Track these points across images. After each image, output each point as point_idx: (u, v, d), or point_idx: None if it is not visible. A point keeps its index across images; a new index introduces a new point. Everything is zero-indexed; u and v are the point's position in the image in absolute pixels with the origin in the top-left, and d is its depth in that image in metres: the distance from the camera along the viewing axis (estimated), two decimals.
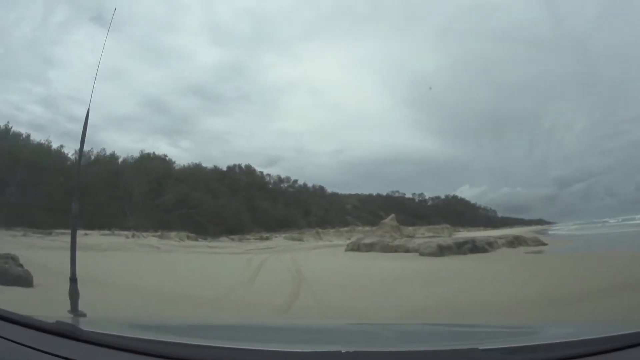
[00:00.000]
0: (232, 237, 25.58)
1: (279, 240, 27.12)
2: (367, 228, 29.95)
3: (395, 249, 20.74)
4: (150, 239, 19.98)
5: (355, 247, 22.27)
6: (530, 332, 2.64)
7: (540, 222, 40.89)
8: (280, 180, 37.22)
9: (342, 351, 1.55)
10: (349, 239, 26.24)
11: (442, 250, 18.79)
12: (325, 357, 1.59)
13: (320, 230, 31.54)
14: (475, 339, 2.39)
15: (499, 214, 42.66)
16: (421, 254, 18.92)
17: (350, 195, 41.13)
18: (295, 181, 37.73)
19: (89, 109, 4.83)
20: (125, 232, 20.14)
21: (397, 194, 44.44)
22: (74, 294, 4.00)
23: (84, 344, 1.67)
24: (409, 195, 44.46)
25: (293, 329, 2.96)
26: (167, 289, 8.68)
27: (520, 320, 5.26)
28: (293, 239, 28.40)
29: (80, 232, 19.49)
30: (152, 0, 45.08)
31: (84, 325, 1.80)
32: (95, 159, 25.07)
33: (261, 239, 26.93)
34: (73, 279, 4.10)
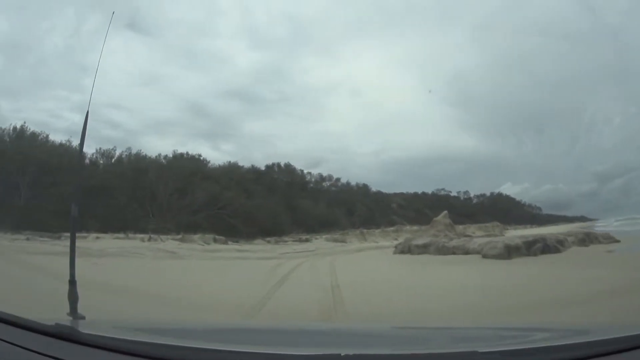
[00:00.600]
0: (269, 239, 23.44)
1: (319, 242, 25.00)
2: (415, 227, 27.93)
3: (453, 251, 17.94)
4: (169, 243, 18.05)
5: (406, 249, 19.64)
6: (530, 334, 2.46)
7: (582, 218, 39.21)
8: (321, 178, 35.43)
9: (342, 354, 1.54)
10: (397, 239, 24.04)
11: (509, 252, 16.00)
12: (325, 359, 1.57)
13: (364, 230, 29.30)
14: (475, 341, 2.36)
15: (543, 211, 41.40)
16: (484, 256, 16.23)
17: (395, 194, 39.55)
18: (338, 179, 35.90)
19: (88, 111, 4.69)
20: (142, 236, 18.46)
21: (442, 192, 43.41)
22: (72, 297, 3.86)
23: (83, 347, 1.67)
24: (453, 193, 43.14)
25: (293, 332, 2.94)
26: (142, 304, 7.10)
27: (519, 322, 5.01)
28: (335, 241, 26.29)
29: (92, 236, 18.97)
30: (188, 5, 46.35)
31: (83, 328, 1.82)
32: (118, 159, 23.76)
33: (300, 240, 24.70)
34: (72, 282, 3.96)
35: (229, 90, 43.37)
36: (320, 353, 1.60)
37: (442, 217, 23.13)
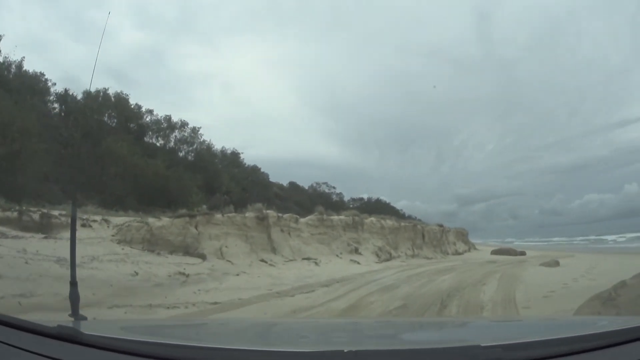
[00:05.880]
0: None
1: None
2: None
3: None
4: None
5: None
6: (532, 327, 2.60)
7: None
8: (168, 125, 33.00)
9: (345, 350, 1.49)
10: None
11: None
12: (328, 356, 1.51)
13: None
14: (477, 335, 2.40)
15: None
16: None
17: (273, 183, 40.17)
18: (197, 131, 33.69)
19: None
20: None
21: (321, 188, 46.37)
22: (74, 298, 3.80)
23: (86, 348, 1.64)
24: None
25: (294, 329, 2.91)
26: None
27: (522, 316, 4.90)
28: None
29: None
30: None
31: (86, 329, 1.78)
32: None
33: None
34: (73, 283, 3.89)
35: (105, 67, 40.96)
36: (323, 350, 1.57)
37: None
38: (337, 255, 21.45)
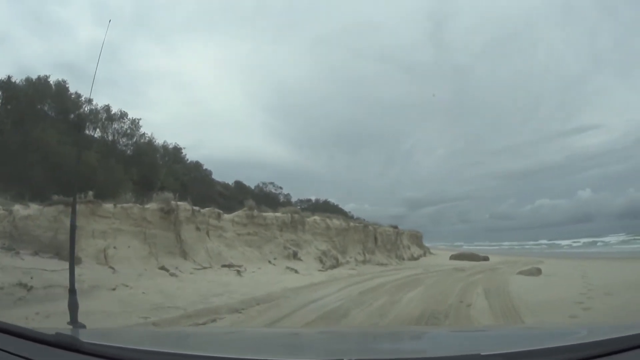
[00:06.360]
0: None
1: None
2: None
3: None
4: None
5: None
6: (532, 336, 2.55)
7: None
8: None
9: (345, 359, 1.48)
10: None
11: None
12: None
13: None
14: (477, 344, 2.35)
15: None
16: None
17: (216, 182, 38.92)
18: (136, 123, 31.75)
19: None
20: None
21: (267, 188, 45.87)
22: (73, 306, 3.78)
23: (84, 356, 1.64)
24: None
25: (294, 338, 2.85)
26: None
27: (522, 325, 4.87)
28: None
29: None
30: None
31: (84, 337, 1.76)
32: None
33: None
34: (72, 291, 3.83)
35: (62, 62, 41.53)
36: (323, 359, 1.63)
37: None
38: (269, 262, 16.61)
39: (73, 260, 3.95)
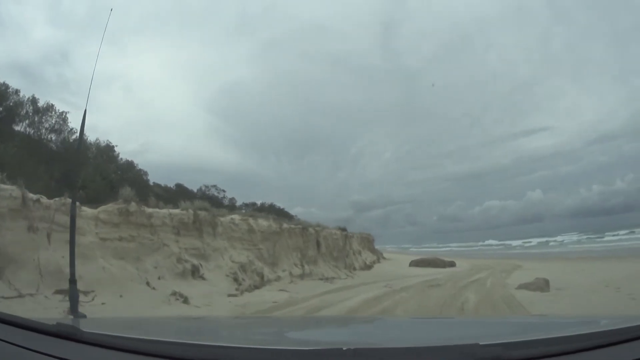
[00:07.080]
0: None
1: None
2: None
3: None
4: None
5: None
6: (531, 326, 2.48)
7: None
8: None
9: (344, 348, 1.41)
10: None
11: None
12: (327, 354, 1.43)
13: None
14: (475, 334, 2.29)
15: None
16: None
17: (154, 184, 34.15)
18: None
19: (85, 110, 4.73)
20: None
21: (210, 191, 41.01)
22: (73, 296, 3.93)
23: (85, 345, 1.59)
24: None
25: (292, 327, 2.83)
26: None
27: (520, 315, 4.89)
28: None
29: None
30: None
31: (85, 327, 1.70)
32: None
33: None
34: (72, 281, 3.95)
35: (12, 62, 38.10)
36: (322, 348, 1.49)
37: None
38: (147, 283, 10.71)
39: (74, 252, 3.96)
